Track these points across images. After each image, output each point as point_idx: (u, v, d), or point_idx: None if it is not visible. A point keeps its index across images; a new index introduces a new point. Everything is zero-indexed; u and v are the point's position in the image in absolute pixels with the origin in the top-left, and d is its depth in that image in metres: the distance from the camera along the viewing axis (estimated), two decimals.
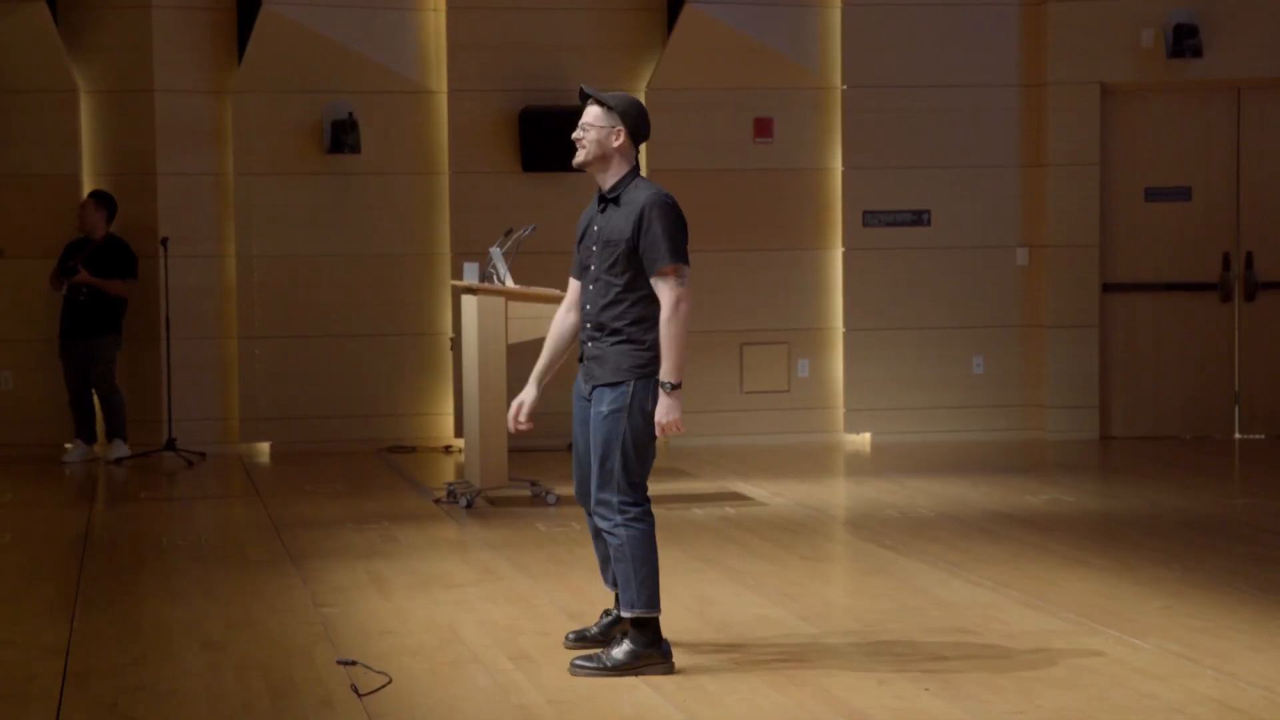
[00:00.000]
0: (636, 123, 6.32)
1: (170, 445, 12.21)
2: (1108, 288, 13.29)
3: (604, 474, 6.28)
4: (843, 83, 13.15)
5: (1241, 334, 13.31)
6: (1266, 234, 13.27)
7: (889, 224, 13.24)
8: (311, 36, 12.68)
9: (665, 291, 6.19)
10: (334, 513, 10.02)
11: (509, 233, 10.57)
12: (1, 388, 12.63)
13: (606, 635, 6.57)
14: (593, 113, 6.32)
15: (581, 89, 6.44)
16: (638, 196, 6.23)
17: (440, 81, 12.99)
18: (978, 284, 13.32)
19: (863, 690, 5.97)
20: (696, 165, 12.99)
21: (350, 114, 12.74)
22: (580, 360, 6.48)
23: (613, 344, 6.29)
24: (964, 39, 13.21)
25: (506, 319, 10.02)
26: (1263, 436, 13.21)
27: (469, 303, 10.30)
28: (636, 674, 6.18)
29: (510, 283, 10.07)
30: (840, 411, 13.27)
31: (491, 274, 10.21)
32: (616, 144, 6.28)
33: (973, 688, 5.98)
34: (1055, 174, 13.15)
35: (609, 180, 6.32)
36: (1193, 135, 13.26)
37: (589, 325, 6.40)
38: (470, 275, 10.36)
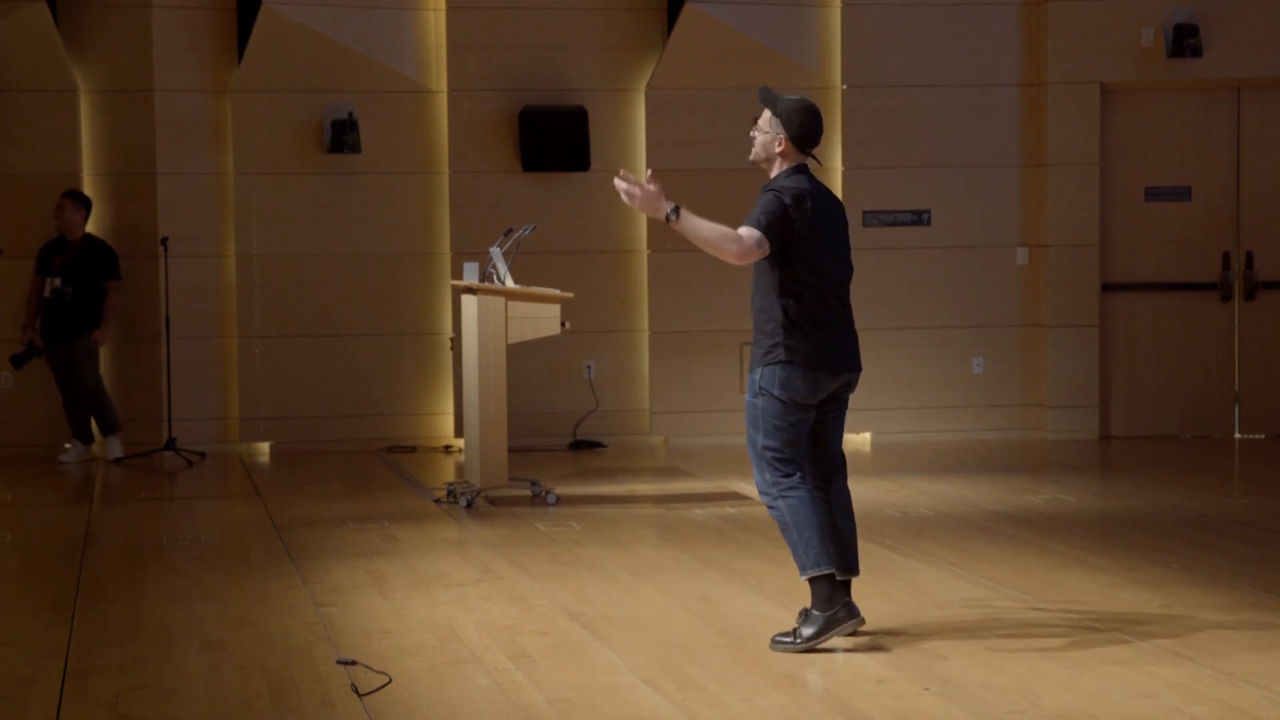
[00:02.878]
0: (800, 129, 6.68)
1: (170, 445, 12.21)
2: (1108, 287, 13.29)
3: (755, 456, 6.71)
4: (843, 82, 13.16)
5: (1241, 334, 13.31)
6: (1266, 234, 13.27)
7: (889, 224, 13.24)
8: (311, 36, 12.67)
9: (742, 234, 6.48)
10: (334, 513, 10.02)
11: (509, 232, 10.57)
12: (1, 388, 12.63)
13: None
14: (765, 116, 6.75)
15: (761, 90, 6.79)
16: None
17: (440, 81, 13.00)
18: (978, 284, 13.32)
19: (863, 690, 5.97)
20: (696, 165, 12.99)
21: (350, 114, 12.73)
22: None
23: (755, 334, 6.75)
24: (964, 39, 13.21)
25: (506, 319, 10.02)
26: (1263, 436, 13.21)
27: (469, 302, 10.30)
28: (829, 637, 6.49)
29: (510, 282, 10.07)
30: None
31: (491, 274, 10.20)
32: (779, 149, 6.71)
33: (973, 688, 5.98)
34: (1055, 174, 13.15)
35: (770, 177, 6.76)
36: (1193, 135, 13.26)
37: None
38: (470, 275, 10.36)
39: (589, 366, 13.14)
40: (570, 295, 10.11)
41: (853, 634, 6.65)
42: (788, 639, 6.54)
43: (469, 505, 10.06)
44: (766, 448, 6.63)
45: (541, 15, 13.02)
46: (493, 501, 10.27)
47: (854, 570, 6.80)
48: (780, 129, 6.67)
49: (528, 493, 10.41)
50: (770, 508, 6.67)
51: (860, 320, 13.44)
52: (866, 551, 8.69)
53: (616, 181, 6.49)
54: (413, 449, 12.87)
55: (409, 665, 6.36)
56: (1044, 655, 6.43)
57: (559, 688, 6.05)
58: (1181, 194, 13.28)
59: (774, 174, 6.74)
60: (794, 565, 8.16)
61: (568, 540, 9.03)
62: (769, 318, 6.66)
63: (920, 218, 13.28)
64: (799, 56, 13.10)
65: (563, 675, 6.23)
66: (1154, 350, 13.34)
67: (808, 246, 6.61)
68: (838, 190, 13.20)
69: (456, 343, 12.56)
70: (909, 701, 5.83)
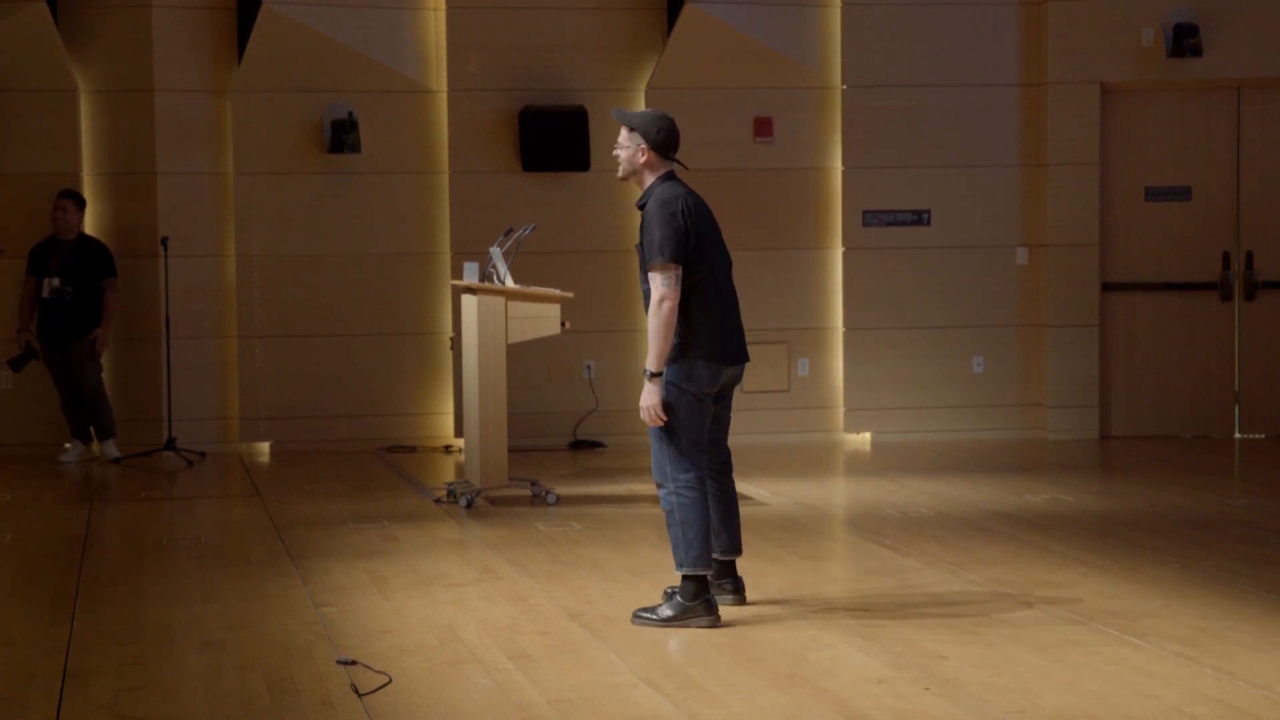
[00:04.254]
0: (658, 137, 7.07)
1: (170, 445, 12.21)
2: (1108, 287, 13.30)
3: (655, 446, 7.08)
4: (843, 82, 13.16)
5: (1241, 334, 13.31)
6: (1266, 234, 13.27)
7: (889, 224, 13.24)
8: (311, 36, 12.68)
9: (655, 287, 6.93)
10: (334, 513, 10.02)
11: (509, 232, 10.58)
12: (1, 388, 12.63)
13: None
14: (621, 135, 7.15)
15: (614, 111, 7.24)
16: (649, 203, 6.99)
17: (440, 81, 13.00)
18: (978, 284, 13.32)
19: (863, 690, 5.97)
20: (696, 165, 12.90)
21: (350, 114, 12.73)
22: None
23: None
24: (964, 39, 13.21)
25: (506, 319, 10.02)
26: (1263, 436, 13.21)
27: (469, 302, 10.30)
28: (684, 625, 6.91)
29: (510, 282, 10.07)
30: (840, 411, 13.27)
31: (491, 273, 10.21)
32: (643, 160, 7.08)
33: (973, 688, 5.98)
34: (1055, 174, 13.15)
35: (641, 190, 7.14)
36: (1193, 135, 13.27)
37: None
38: (470, 275, 10.36)
39: (589, 366, 13.14)
40: (570, 295, 10.11)
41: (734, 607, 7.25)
42: (649, 614, 7.02)
43: (469, 505, 10.06)
44: (670, 442, 7.01)
45: (541, 15, 13.02)
46: (493, 501, 10.28)
47: (740, 550, 7.40)
48: (640, 140, 7.07)
49: (528, 493, 10.41)
50: (661, 498, 7.10)
51: (860, 320, 13.62)
52: (866, 552, 8.72)
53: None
54: (413, 449, 12.87)
55: (409, 665, 6.36)
56: (1044, 655, 6.43)
57: (559, 688, 6.05)
58: (1181, 194, 13.28)
59: (646, 185, 7.10)
60: (794, 564, 8.19)
61: (568, 540, 9.03)
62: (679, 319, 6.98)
63: (920, 218, 13.27)
64: (799, 56, 13.10)
65: (563, 675, 6.23)
66: (1154, 350, 13.34)
67: (698, 249, 6.99)
68: (837, 190, 13.22)
69: (456, 343, 12.56)
70: (909, 701, 5.83)
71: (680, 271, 6.89)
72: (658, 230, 6.90)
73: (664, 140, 7.06)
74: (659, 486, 7.13)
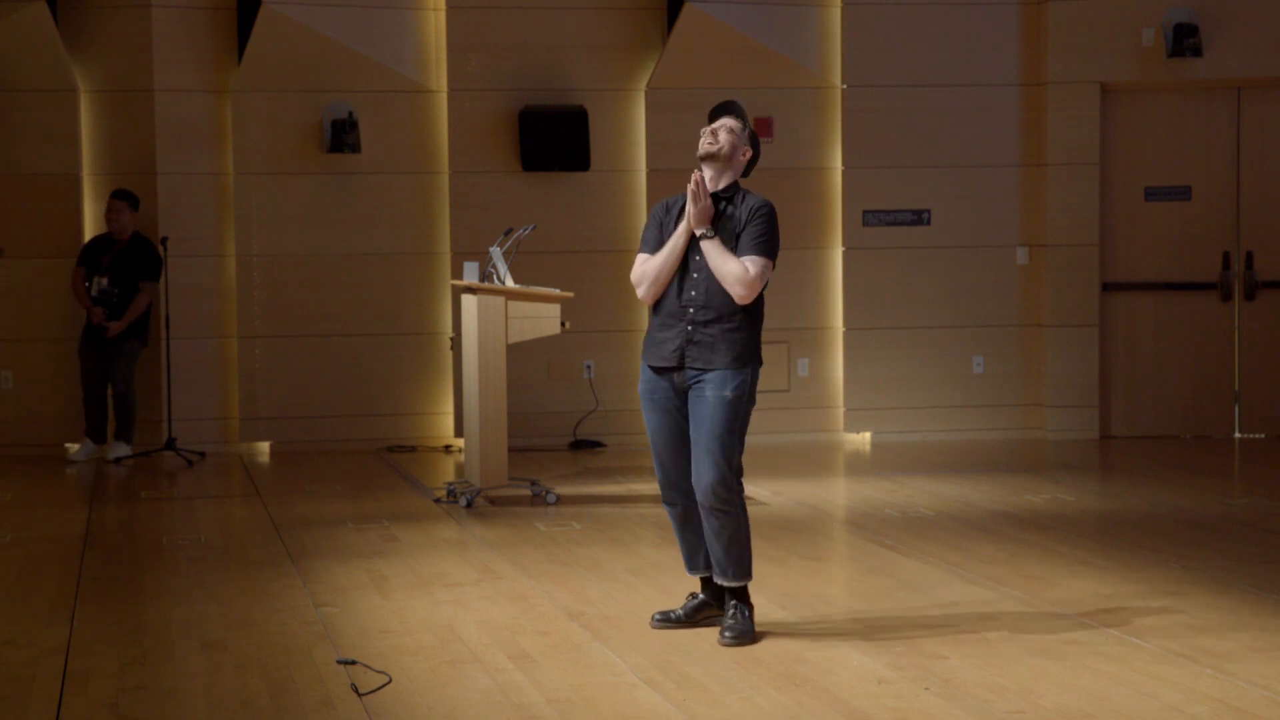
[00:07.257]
0: (756, 156, 7.04)
1: (170, 445, 12.21)
2: (1108, 287, 13.30)
3: (724, 455, 6.66)
4: (843, 82, 13.16)
5: (1241, 334, 13.31)
6: (1266, 234, 13.27)
7: (889, 223, 13.24)
8: (311, 36, 12.68)
9: (753, 271, 6.68)
10: (334, 513, 10.02)
11: (509, 232, 10.58)
12: (2, 387, 12.63)
13: (693, 617, 6.95)
14: (737, 124, 7.02)
15: (735, 104, 7.11)
16: (750, 201, 6.87)
17: (440, 81, 13.00)
18: (977, 284, 13.32)
19: (863, 690, 5.97)
20: (696, 165, 12.96)
21: (350, 114, 12.74)
22: (677, 346, 6.79)
23: (726, 330, 6.73)
24: (964, 39, 13.21)
25: (506, 318, 10.02)
26: (1263, 436, 13.21)
27: (469, 302, 10.30)
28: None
29: (510, 282, 10.07)
30: (840, 411, 13.27)
31: (491, 273, 10.21)
32: (743, 159, 6.98)
33: (973, 688, 5.98)
34: (1055, 173, 13.15)
35: (721, 183, 6.92)
36: (1193, 135, 13.27)
37: (693, 309, 6.78)
38: (470, 275, 10.36)
39: (589, 366, 13.14)
40: (570, 295, 10.11)
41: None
42: (741, 638, 6.68)
43: (469, 505, 10.06)
44: (737, 452, 6.72)
45: (541, 15, 13.02)
46: (493, 501, 10.28)
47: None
48: (747, 142, 7.01)
49: (528, 492, 10.41)
50: (722, 511, 6.69)
51: (860, 320, 13.61)
52: (866, 551, 8.71)
53: (695, 175, 6.80)
54: (413, 449, 12.87)
55: (409, 665, 6.36)
56: (1044, 655, 6.43)
57: (559, 688, 6.05)
58: (1181, 194, 13.28)
59: (723, 182, 6.91)
60: (794, 564, 8.20)
61: (568, 540, 9.03)
62: (749, 318, 6.79)
63: (920, 218, 13.28)
64: (799, 56, 13.10)
65: (563, 675, 6.23)
66: (1154, 350, 13.34)
67: None
68: (838, 190, 13.22)
69: (456, 343, 12.56)
70: (909, 701, 5.83)
71: (771, 270, 6.81)
72: (771, 231, 6.77)
73: (755, 161, 7.03)
74: (717, 504, 6.67)
